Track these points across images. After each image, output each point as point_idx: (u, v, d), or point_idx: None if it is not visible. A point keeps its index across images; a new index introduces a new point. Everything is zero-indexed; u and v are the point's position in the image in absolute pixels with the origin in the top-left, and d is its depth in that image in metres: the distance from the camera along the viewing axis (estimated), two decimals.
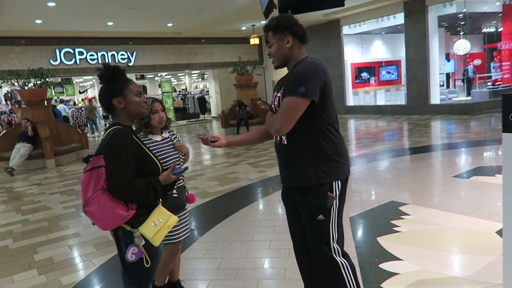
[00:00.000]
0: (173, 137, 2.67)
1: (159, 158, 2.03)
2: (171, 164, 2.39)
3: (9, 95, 17.16)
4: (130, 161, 1.79)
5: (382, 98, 16.76)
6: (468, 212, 3.99)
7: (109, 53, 15.58)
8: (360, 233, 3.78)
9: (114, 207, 1.74)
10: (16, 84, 9.42)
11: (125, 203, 1.78)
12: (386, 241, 3.45)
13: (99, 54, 15.38)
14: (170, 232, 2.06)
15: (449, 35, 17.31)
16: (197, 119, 19.36)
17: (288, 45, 2.00)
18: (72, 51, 14.83)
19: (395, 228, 3.72)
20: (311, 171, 1.99)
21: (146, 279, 1.92)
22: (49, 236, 4.36)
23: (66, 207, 5.54)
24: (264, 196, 5.40)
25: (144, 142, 2.07)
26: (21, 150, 8.66)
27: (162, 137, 2.59)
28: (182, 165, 2.55)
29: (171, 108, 18.36)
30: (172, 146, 2.60)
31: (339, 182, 2.04)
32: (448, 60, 18.49)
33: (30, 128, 8.88)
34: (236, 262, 3.29)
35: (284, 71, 2.12)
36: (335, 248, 2.06)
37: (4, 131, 9.94)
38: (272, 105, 2.13)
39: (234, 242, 3.73)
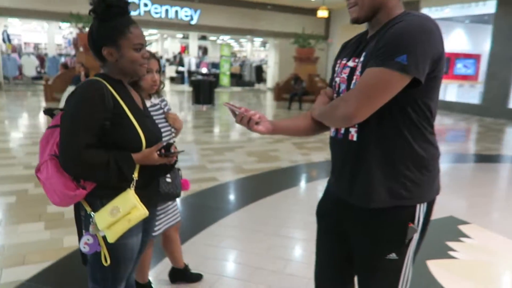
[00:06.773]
0: (164, 105, 2.14)
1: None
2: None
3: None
4: (90, 125, 1.32)
5: (453, 93, 15.25)
6: None
7: (172, 8, 15.31)
8: None
9: (59, 182, 1.32)
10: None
11: (75, 178, 1.34)
12: (437, 268, 2.82)
13: (163, 8, 15.16)
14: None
15: None
16: (251, 88, 18.92)
17: None
18: (137, 1, 14.70)
19: (451, 253, 3.06)
20: (386, 185, 1.28)
21: (112, 281, 1.47)
22: None
23: None
24: (304, 183, 4.87)
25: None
26: None
27: (151, 102, 2.03)
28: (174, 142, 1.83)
29: (227, 73, 18.00)
30: (162, 116, 2.07)
31: (425, 206, 1.33)
32: None
33: (83, 73, 8.86)
34: (254, 259, 2.83)
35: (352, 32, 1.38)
36: None
37: (59, 73, 10.06)
38: (336, 79, 1.39)
39: (258, 233, 3.27)
